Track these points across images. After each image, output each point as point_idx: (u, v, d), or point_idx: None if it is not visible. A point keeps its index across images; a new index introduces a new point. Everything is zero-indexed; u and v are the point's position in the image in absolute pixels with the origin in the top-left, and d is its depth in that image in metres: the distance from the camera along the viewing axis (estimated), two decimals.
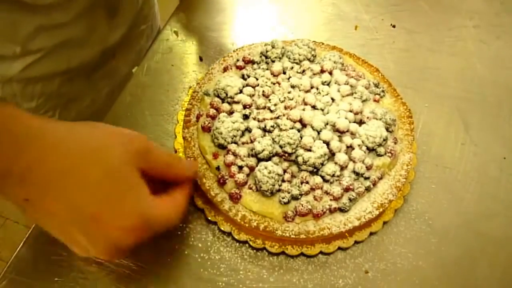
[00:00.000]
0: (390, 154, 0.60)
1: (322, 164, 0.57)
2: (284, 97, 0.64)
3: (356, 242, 0.58)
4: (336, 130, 0.60)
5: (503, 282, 0.57)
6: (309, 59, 0.68)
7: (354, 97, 0.64)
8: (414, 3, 0.86)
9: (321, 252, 0.57)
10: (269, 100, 0.64)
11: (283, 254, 0.57)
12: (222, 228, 0.58)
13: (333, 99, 0.64)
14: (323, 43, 0.73)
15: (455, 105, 0.72)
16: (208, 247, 0.58)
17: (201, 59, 0.76)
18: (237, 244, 0.58)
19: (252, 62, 0.69)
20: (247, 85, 0.65)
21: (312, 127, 0.60)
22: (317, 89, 0.65)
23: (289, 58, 0.68)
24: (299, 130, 0.60)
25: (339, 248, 0.58)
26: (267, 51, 0.68)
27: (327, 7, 0.85)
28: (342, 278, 0.56)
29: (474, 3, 0.87)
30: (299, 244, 0.57)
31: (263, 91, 0.64)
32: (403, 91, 0.69)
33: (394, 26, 0.82)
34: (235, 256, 0.57)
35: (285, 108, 0.63)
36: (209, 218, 0.59)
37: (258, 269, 0.56)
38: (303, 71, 0.67)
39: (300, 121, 0.61)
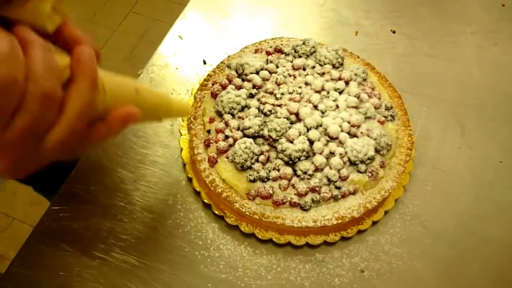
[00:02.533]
0: (370, 174, 0.60)
1: (299, 159, 0.59)
2: (293, 90, 0.66)
3: (308, 244, 0.60)
4: (326, 134, 0.62)
5: (495, 282, 0.58)
6: (333, 65, 0.69)
7: (359, 111, 0.65)
8: (413, 9, 0.88)
9: (271, 241, 0.59)
10: (279, 88, 0.66)
11: (272, 243, 0.59)
12: (213, 210, 0.61)
13: (337, 106, 0.65)
14: (358, 56, 0.74)
15: (452, 109, 0.73)
16: (208, 245, 0.59)
17: (204, 62, 0.78)
18: (236, 242, 0.60)
19: (281, 52, 0.72)
20: (266, 69, 0.68)
21: (304, 124, 0.62)
22: (328, 93, 0.66)
23: (315, 58, 0.70)
24: (292, 123, 0.62)
25: (308, 244, 0.60)
26: (297, 46, 0.71)
27: (328, 12, 0.87)
28: (338, 276, 0.58)
29: (472, 10, 0.89)
30: (254, 225, 0.60)
31: (277, 78, 0.67)
32: (402, 95, 0.70)
33: (394, 32, 0.84)
34: (234, 254, 0.59)
35: (289, 99, 0.65)
36: (205, 201, 0.62)
37: (257, 266, 0.58)
38: (323, 73, 0.68)
39: (297, 114, 0.63)
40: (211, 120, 0.64)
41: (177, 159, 0.67)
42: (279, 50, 0.72)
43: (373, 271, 0.58)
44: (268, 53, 0.72)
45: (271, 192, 0.58)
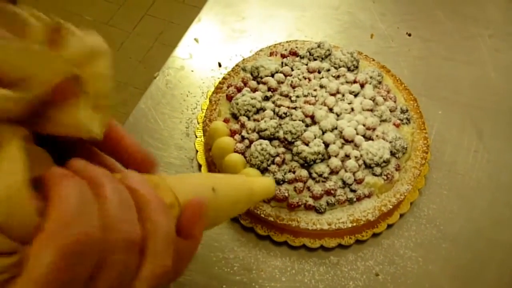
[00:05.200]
0: (385, 177, 0.60)
1: (314, 162, 0.59)
2: (308, 93, 0.66)
3: (323, 247, 0.60)
4: (341, 136, 0.62)
5: (511, 286, 0.57)
6: (348, 67, 0.69)
7: (374, 114, 0.64)
8: (429, 12, 0.88)
9: (286, 243, 0.60)
10: (294, 90, 0.66)
11: (286, 246, 0.59)
12: None
13: (352, 109, 0.65)
14: (374, 59, 0.74)
15: (469, 113, 0.73)
16: (223, 246, 0.60)
17: (220, 65, 0.79)
18: (251, 244, 0.60)
19: (297, 54, 0.72)
20: (281, 72, 0.69)
21: (320, 126, 0.62)
22: (343, 95, 0.66)
23: (330, 61, 0.70)
24: (307, 125, 0.62)
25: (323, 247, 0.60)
26: (312, 49, 0.71)
27: (343, 15, 0.87)
28: (353, 280, 0.58)
29: (489, 13, 0.88)
30: (269, 227, 0.60)
31: (292, 81, 0.67)
32: (417, 98, 0.70)
33: (409, 35, 0.84)
34: (249, 256, 0.59)
35: (304, 102, 0.65)
36: None
37: (271, 269, 0.58)
38: (338, 76, 0.68)
39: (312, 117, 0.63)
40: (226, 121, 0.65)
41: (192, 161, 0.67)
42: (294, 53, 0.72)
43: (388, 274, 0.58)
44: (283, 56, 0.72)
45: (286, 195, 0.58)
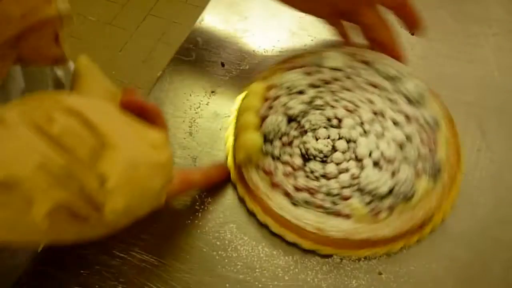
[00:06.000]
0: (371, 210, 0.58)
1: (314, 158, 0.60)
2: (352, 100, 0.65)
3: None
4: (353, 151, 0.61)
5: None
6: (409, 100, 0.65)
7: (401, 151, 0.61)
8: (433, 11, 0.87)
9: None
10: (343, 91, 0.66)
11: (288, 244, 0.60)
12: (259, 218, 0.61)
13: (383, 134, 0.62)
14: (442, 103, 0.69)
15: (472, 112, 0.73)
16: (226, 245, 0.60)
17: (223, 64, 0.79)
18: (254, 243, 0.60)
19: (367, 63, 0.70)
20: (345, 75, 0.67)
21: (339, 132, 0.62)
22: (383, 117, 0.63)
23: (395, 85, 0.66)
24: (331, 126, 0.62)
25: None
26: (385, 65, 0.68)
27: None
28: (356, 279, 0.58)
29: (494, 11, 0.88)
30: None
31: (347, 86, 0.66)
32: None
33: (412, 34, 0.83)
34: (252, 254, 0.59)
35: (343, 106, 0.64)
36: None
37: (274, 267, 0.58)
38: (390, 100, 0.65)
39: (340, 120, 0.63)
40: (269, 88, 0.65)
41: (195, 160, 0.67)
42: (365, 62, 0.70)
43: (391, 273, 0.58)
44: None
45: (272, 170, 0.59)
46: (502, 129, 0.71)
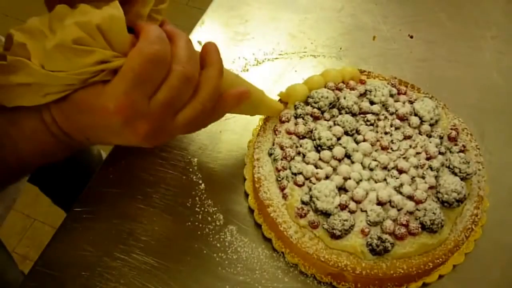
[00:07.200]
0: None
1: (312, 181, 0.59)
2: (383, 135, 0.64)
3: None
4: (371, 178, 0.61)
5: None
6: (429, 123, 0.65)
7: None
8: (432, 14, 0.88)
9: None
10: (378, 121, 0.65)
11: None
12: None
13: (400, 173, 0.61)
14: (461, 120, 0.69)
15: (471, 115, 0.73)
16: (226, 247, 0.60)
17: None
18: (254, 245, 0.60)
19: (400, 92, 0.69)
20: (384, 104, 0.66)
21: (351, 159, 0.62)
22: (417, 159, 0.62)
23: (414, 108, 0.66)
24: (348, 157, 0.61)
25: None
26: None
27: (346, 17, 0.87)
28: None
29: (492, 14, 0.88)
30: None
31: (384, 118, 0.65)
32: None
33: (411, 37, 0.84)
34: (252, 256, 0.59)
35: (375, 138, 0.63)
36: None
37: (274, 269, 0.59)
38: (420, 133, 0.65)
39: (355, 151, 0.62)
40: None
41: (194, 162, 0.68)
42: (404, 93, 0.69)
43: None
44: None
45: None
46: (500, 131, 0.71)
